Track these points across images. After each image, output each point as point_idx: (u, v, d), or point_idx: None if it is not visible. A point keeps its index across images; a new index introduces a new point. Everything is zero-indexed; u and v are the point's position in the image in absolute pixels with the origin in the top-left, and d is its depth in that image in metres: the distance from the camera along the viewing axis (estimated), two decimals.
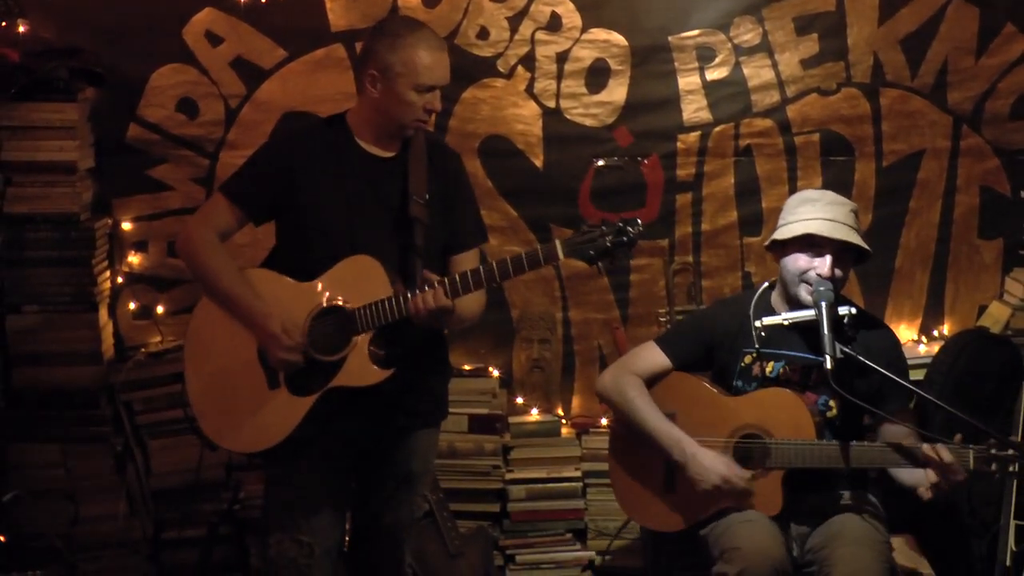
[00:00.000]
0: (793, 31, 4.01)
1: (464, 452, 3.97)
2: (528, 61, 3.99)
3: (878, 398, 3.15)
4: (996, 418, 3.63)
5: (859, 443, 3.07)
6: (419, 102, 2.82)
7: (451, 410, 3.85)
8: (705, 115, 4.04)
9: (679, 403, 3.22)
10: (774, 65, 4.02)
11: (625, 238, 2.68)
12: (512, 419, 4.07)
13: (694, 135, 4.05)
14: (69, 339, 3.81)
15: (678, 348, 3.29)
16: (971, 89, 4.08)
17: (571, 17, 3.97)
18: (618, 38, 3.98)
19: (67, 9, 3.84)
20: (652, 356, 3.29)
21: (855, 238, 3.14)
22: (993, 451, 2.89)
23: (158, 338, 4.01)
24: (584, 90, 4.01)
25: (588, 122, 4.02)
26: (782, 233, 3.17)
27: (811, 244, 3.14)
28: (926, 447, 2.97)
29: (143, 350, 3.99)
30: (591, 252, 2.68)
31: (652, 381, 3.27)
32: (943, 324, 4.21)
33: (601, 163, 4.03)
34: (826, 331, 3.02)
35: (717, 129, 4.05)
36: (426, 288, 2.74)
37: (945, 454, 2.93)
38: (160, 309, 4.01)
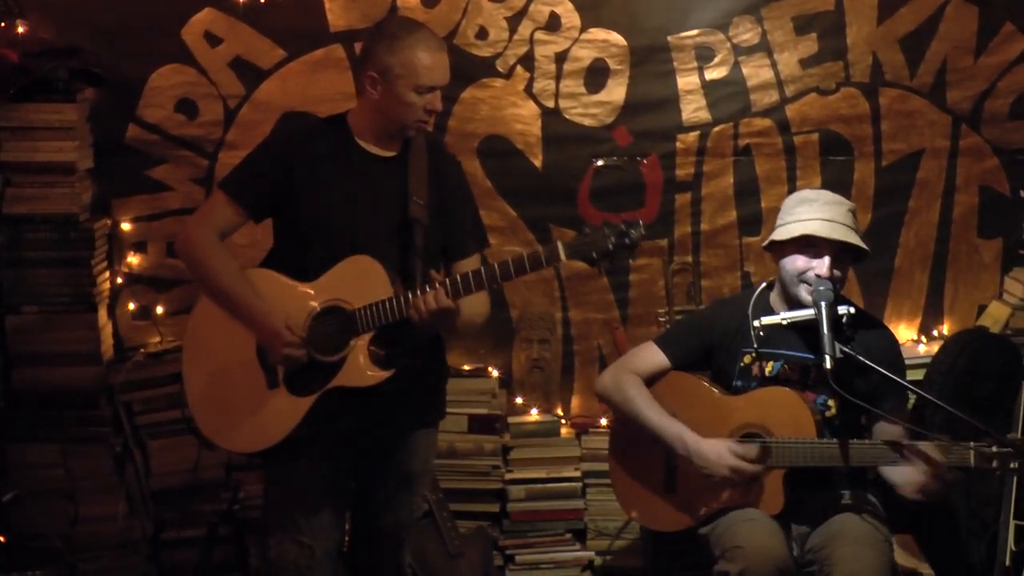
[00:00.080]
0: (792, 31, 4.01)
1: (464, 452, 3.98)
2: (527, 61, 3.99)
3: (876, 397, 3.15)
4: (996, 418, 3.63)
5: (859, 441, 3.07)
6: (419, 103, 2.82)
7: (451, 410, 3.88)
8: (704, 115, 4.04)
9: (679, 402, 3.23)
10: (773, 65, 4.02)
11: (627, 240, 2.68)
12: (512, 419, 4.07)
13: (693, 135, 4.05)
14: (68, 339, 3.81)
15: (677, 348, 3.29)
16: (970, 88, 4.08)
17: (570, 17, 3.97)
18: (617, 38, 3.98)
19: (66, 9, 3.84)
20: (651, 356, 3.29)
21: (853, 238, 3.14)
22: (994, 448, 2.90)
23: (157, 339, 4.01)
24: (583, 90, 4.01)
25: (587, 122, 4.02)
26: (780, 234, 3.17)
27: (809, 244, 3.14)
28: (914, 446, 2.99)
29: (142, 351, 3.99)
30: (593, 254, 2.68)
31: (651, 381, 3.27)
32: (942, 324, 4.21)
33: (600, 163, 4.03)
34: (825, 331, 3.02)
35: (716, 129, 4.05)
36: (427, 289, 2.74)
37: (932, 453, 2.94)
38: (159, 310, 4.01)
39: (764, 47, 4.01)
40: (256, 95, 3.95)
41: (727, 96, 4.04)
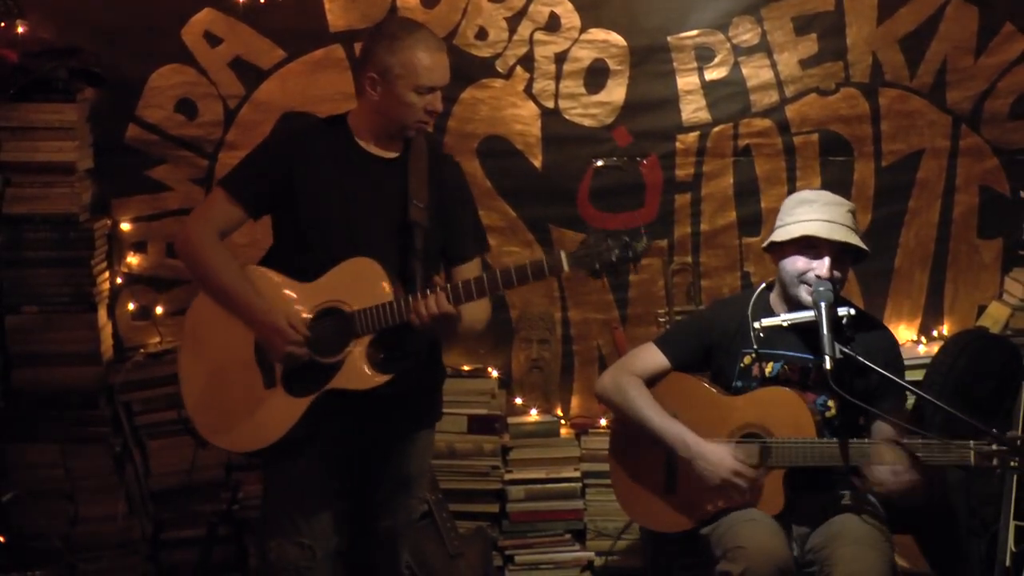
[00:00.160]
0: (792, 31, 4.01)
1: (463, 453, 3.98)
2: (527, 61, 3.99)
3: (875, 398, 3.15)
4: (996, 418, 3.61)
5: (859, 441, 3.07)
6: (419, 103, 2.82)
7: (450, 410, 3.89)
8: (704, 115, 4.04)
9: (679, 403, 3.23)
10: (773, 65, 4.02)
11: (631, 252, 2.68)
12: (511, 419, 4.07)
13: (693, 135, 4.05)
14: (68, 339, 3.81)
15: (677, 349, 3.29)
16: (970, 89, 4.08)
17: (570, 17, 3.97)
18: (617, 38, 3.98)
19: (66, 9, 3.84)
20: (651, 357, 3.29)
21: (853, 238, 3.14)
22: (994, 446, 2.90)
23: (157, 339, 4.02)
24: (583, 90, 4.01)
25: (587, 122, 4.02)
26: (780, 235, 3.17)
27: (809, 245, 3.14)
28: (877, 446, 3.01)
29: (142, 351, 3.99)
30: (596, 265, 2.68)
31: (651, 382, 3.27)
32: (942, 324, 4.21)
33: (600, 163, 4.03)
34: (825, 331, 3.02)
35: (716, 129, 4.05)
36: (428, 296, 2.74)
37: (889, 455, 2.97)
38: (159, 310, 4.01)
39: (764, 47, 4.01)
40: (256, 95, 3.95)
41: (727, 96, 4.04)
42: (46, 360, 3.80)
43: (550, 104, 4.02)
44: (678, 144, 4.05)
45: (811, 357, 3.16)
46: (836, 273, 3.14)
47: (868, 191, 4.12)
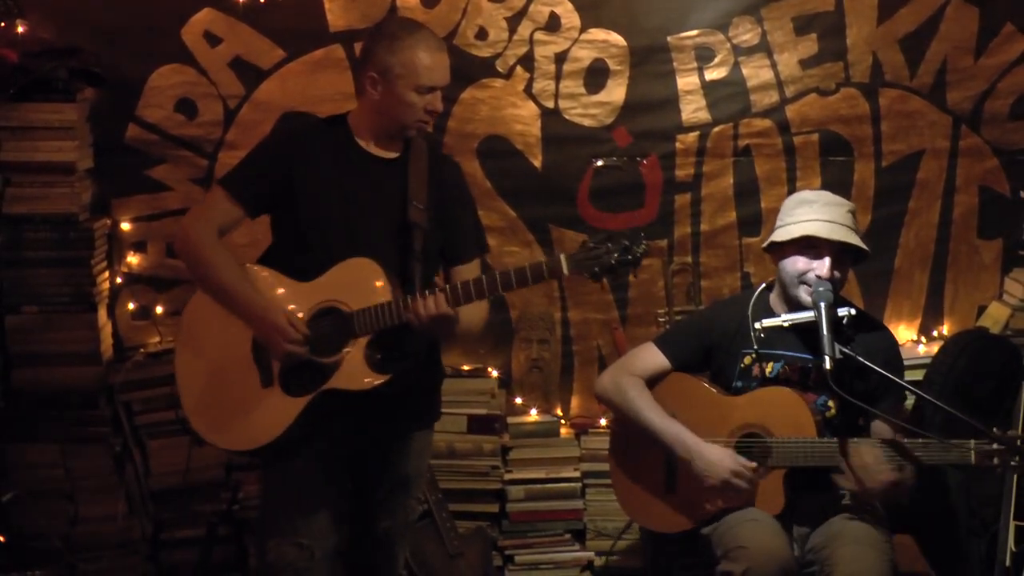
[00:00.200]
0: (792, 31, 4.01)
1: (463, 452, 3.97)
2: (527, 61, 3.98)
3: (874, 398, 3.15)
4: (996, 418, 3.61)
5: (859, 440, 3.07)
6: (420, 103, 2.81)
7: (450, 410, 3.90)
8: (704, 115, 4.03)
9: (678, 403, 3.23)
10: (773, 65, 4.02)
11: (630, 256, 2.68)
12: (511, 419, 4.07)
13: (693, 135, 4.05)
14: (68, 339, 3.81)
15: (677, 349, 3.29)
16: (970, 89, 4.08)
17: (570, 17, 3.97)
18: (617, 38, 3.98)
19: (66, 9, 3.83)
20: (651, 357, 3.30)
21: (853, 239, 3.14)
22: (995, 445, 2.90)
23: (157, 338, 4.01)
24: (583, 90, 4.01)
25: (587, 122, 4.02)
26: (780, 235, 3.17)
27: (809, 245, 3.14)
28: (857, 446, 3.02)
29: (142, 350, 3.99)
30: (595, 269, 2.68)
31: (651, 382, 3.28)
32: (942, 324, 4.21)
33: (600, 163, 4.03)
34: (825, 332, 3.02)
35: (716, 129, 4.05)
36: (427, 293, 2.73)
37: (868, 456, 2.98)
38: (159, 309, 4.01)
39: (764, 47, 4.01)
40: (256, 95, 3.95)
41: (727, 96, 4.03)
42: (46, 360, 3.80)
43: (550, 104, 4.02)
44: (678, 144, 4.05)
45: (811, 357, 3.17)
46: (836, 273, 3.14)
47: (868, 191, 4.12)
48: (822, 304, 3.06)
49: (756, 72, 4.02)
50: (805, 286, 3.14)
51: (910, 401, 3.51)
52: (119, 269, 4.00)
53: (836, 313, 3.09)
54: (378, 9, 3.89)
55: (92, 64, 3.81)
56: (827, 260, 3.12)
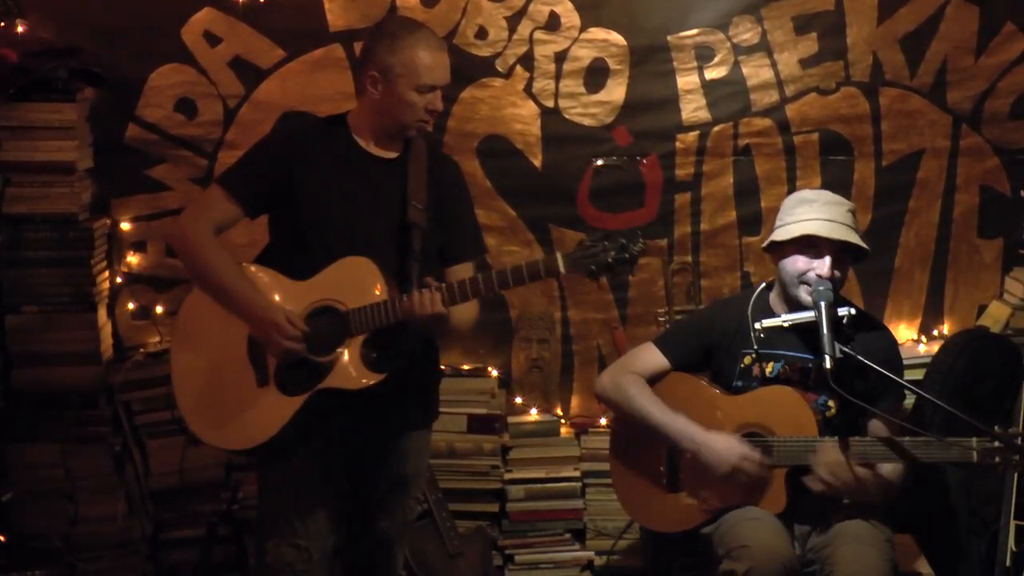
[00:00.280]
0: (792, 30, 4.01)
1: (463, 452, 3.97)
2: (527, 61, 3.98)
3: (874, 397, 3.16)
4: (996, 417, 3.61)
5: (859, 439, 3.08)
6: (420, 102, 2.81)
7: (450, 410, 3.90)
8: (704, 115, 4.03)
9: (679, 403, 3.22)
10: (773, 64, 4.02)
11: (627, 255, 2.68)
12: (511, 419, 4.07)
13: (693, 135, 4.05)
14: (68, 339, 3.81)
15: (676, 349, 3.29)
16: (971, 88, 4.08)
17: (570, 17, 3.96)
18: (617, 38, 3.97)
19: (66, 9, 3.83)
20: (650, 357, 3.29)
21: (854, 238, 3.14)
22: (996, 443, 2.90)
23: (157, 338, 4.01)
24: (583, 90, 4.01)
25: (587, 122, 4.02)
26: (780, 234, 3.17)
27: (810, 245, 3.14)
28: (823, 444, 3.03)
29: (142, 350, 3.99)
30: (592, 267, 2.68)
31: (651, 382, 3.28)
32: (943, 324, 4.21)
33: (600, 163, 4.03)
34: (826, 331, 3.02)
35: (716, 129, 4.05)
36: (422, 291, 2.73)
37: (832, 454, 2.99)
38: (159, 309, 4.01)
39: (764, 47, 4.01)
40: (256, 95, 3.95)
41: (727, 96, 4.03)
42: (46, 360, 3.80)
43: (550, 103, 4.01)
44: (678, 144, 4.05)
45: (811, 357, 3.17)
46: (836, 272, 3.14)
47: (868, 191, 4.11)
48: (822, 303, 3.06)
49: (756, 71, 4.01)
50: (805, 286, 3.14)
51: (910, 401, 3.51)
52: (119, 269, 4.00)
53: (836, 312, 3.09)
54: (378, 9, 3.89)
55: (92, 64, 3.81)
56: (827, 259, 3.12)
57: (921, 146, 4.12)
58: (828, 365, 2.97)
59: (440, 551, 3.73)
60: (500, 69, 3.99)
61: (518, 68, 3.99)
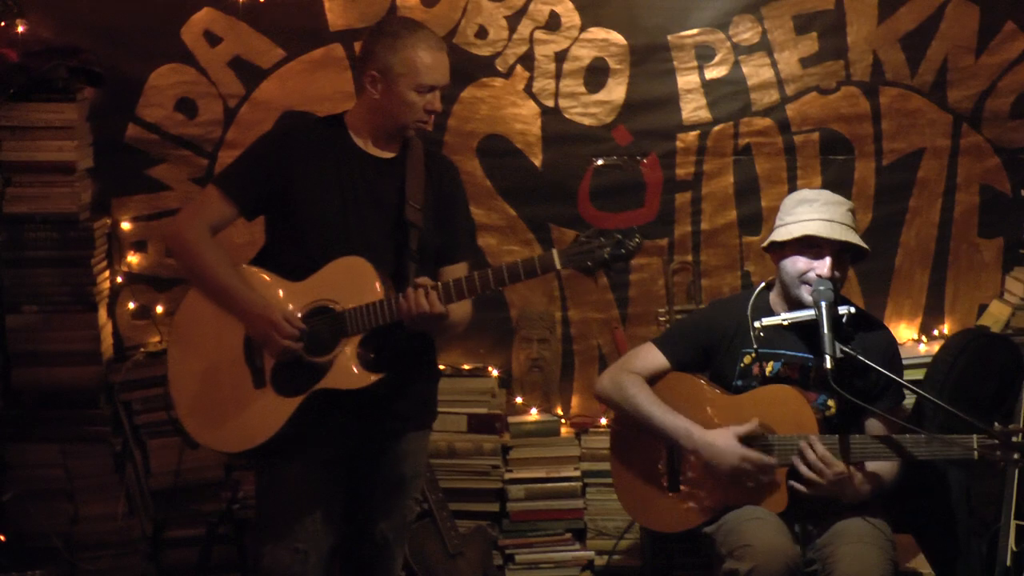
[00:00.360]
0: (792, 30, 4.01)
1: (463, 452, 3.97)
2: (527, 60, 3.98)
3: (873, 396, 3.16)
4: (996, 417, 3.60)
5: (860, 436, 3.08)
6: (420, 102, 2.81)
7: (450, 410, 3.90)
8: (704, 114, 4.03)
9: (679, 403, 3.22)
10: (773, 64, 4.02)
11: (623, 250, 2.67)
12: (511, 419, 4.06)
13: (693, 134, 4.05)
14: (68, 339, 3.80)
15: (676, 349, 3.29)
16: (971, 87, 4.08)
17: (570, 16, 3.96)
18: (617, 37, 3.98)
19: (66, 9, 3.84)
20: (650, 357, 3.29)
21: (854, 237, 3.14)
22: (998, 440, 2.90)
23: (157, 338, 4.01)
24: (583, 89, 4.01)
25: (587, 121, 4.02)
26: (780, 234, 3.17)
27: (810, 245, 3.14)
28: (801, 442, 3.04)
29: (142, 350, 3.99)
30: (588, 263, 2.67)
31: (650, 382, 3.28)
32: (943, 323, 4.20)
33: (600, 162, 4.03)
34: (826, 330, 3.02)
35: (716, 128, 4.05)
36: (418, 289, 2.72)
37: (818, 448, 3.00)
38: (159, 309, 4.01)
39: (764, 46, 4.01)
40: (256, 94, 3.95)
41: (727, 95, 4.03)
42: (46, 359, 3.80)
43: (550, 103, 4.01)
44: (678, 143, 4.05)
45: (811, 356, 3.16)
46: (837, 272, 3.14)
47: (869, 190, 4.11)
48: (823, 303, 3.06)
49: (756, 71, 4.01)
50: (807, 286, 3.14)
51: (910, 400, 3.50)
52: (119, 268, 4.00)
53: (836, 312, 3.08)
54: (378, 8, 3.89)
55: (92, 63, 3.81)
56: (828, 259, 3.12)
57: (921, 145, 4.12)
58: (828, 364, 2.97)
59: (440, 551, 3.73)
60: (500, 69, 3.98)
61: (518, 68, 3.99)
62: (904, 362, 3.33)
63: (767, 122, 4.06)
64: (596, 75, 4.00)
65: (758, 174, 4.09)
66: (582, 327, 4.13)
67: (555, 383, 4.13)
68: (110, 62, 3.85)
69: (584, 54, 3.98)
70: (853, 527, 3.09)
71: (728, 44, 4.00)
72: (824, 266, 3.12)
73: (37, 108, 3.75)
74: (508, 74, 3.99)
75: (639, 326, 4.09)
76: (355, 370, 2.76)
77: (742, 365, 3.23)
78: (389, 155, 2.89)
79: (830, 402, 3.18)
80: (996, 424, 2.98)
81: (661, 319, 4.02)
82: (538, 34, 3.97)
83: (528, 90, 4.00)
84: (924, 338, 4.18)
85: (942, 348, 3.91)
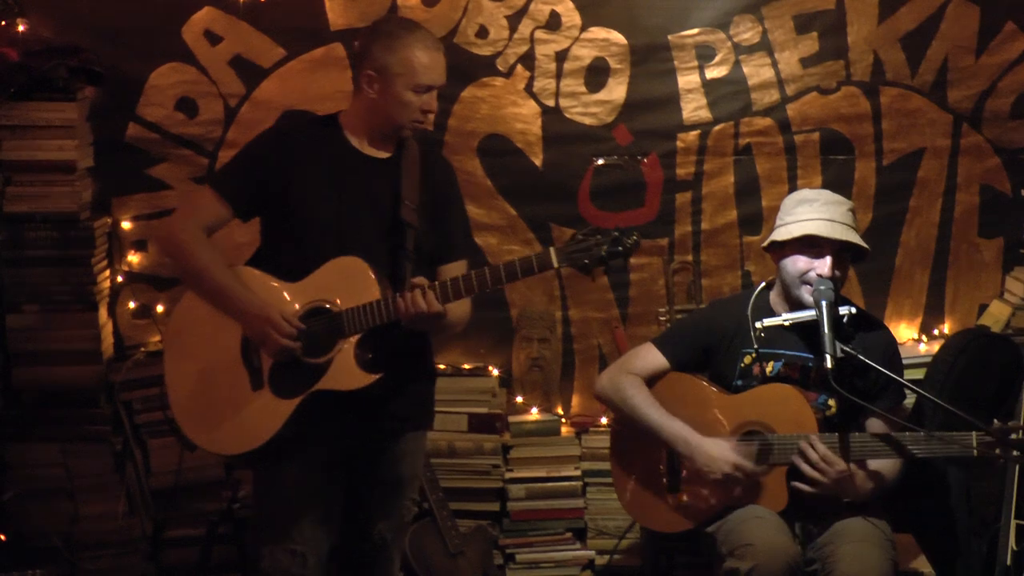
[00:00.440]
0: (793, 29, 4.01)
1: (464, 451, 3.97)
2: (527, 60, 3.98)
3: (873, 396, 3.16)
4: (996, 417, 3.60)
5: (860, 435, 3.08)
6: (416, 102, 2.80)
7: (451, 409, 3.90)
8: (705, 114, 4.03)
9: (678, 402, 3.22)
10: (774, 64, 4.02)
11: (621, 248, 2.65)
12: (512, 418, 4.06)
13: (694, 134, 4.05)
14: (69, 338, 3.80)
15: (676, 349, 3.29)
16: (971, 87, 4.08)
17: (570, 16, 3.97)
18: (617, 37, 3.98)
19: (66, 8, 3.84)
20: (650, 357, 3.29)
21: (854, 237, 3.14)
22: (996, 438, 2.90)
23: (157, 337, 4.01)
24: (583, 89, 4.01)
25: (587, 121, 4.02)
26: (781, 234, 3.17)
27: (811, 244, 3.14)
28: (802, 441, 3.03)
29: (142, 349, 3.99)
30: (585, 261, 2.66)
31: (650, 382, 3.27)
32: (943, 323, 4.21)
33: (601, 162, 4.03)
34: (827, 330, 3.02)
35: (717, 128, 4.05)
36: (415, 290, 2.72)
37: (819, 448, 3.00)
38: (159, 308, 4.01)
39: (765, 46, 4.01)
40: (256, 94, 3.95)
41: (728, 95, 4.03)
42: (47, 359, 3.80)
43: (551, 103, 4.02)
44: (679, 143, 4.05)
45: (811, 356, 3.17)
46: (837, 272, 3.14)
47: (869, 190, 4.11)
48: (823, 302, 3.06)
49: (757, 71, 4.02)
50: (807, 286, 3.13)
51: (910, 400, 3.50)
52: (120, 268, 4.00)
53: (837, 311, 3.08)
54: (378, 7, 3.90)
55: (92, 63, 3.81)
56: (828, 259, 3.12)
57: (922, 145, 4.12)
58: (829, 364, 2.97)
59: (441, 550, 3.73)
60: (501, 68, 3.99)
61: (519, 67, 3.99)
62: (904, 362, 3.33)
63: (767, 122, 4.06)
64: (597, 75, 4.00)
65: (758, 174, 4.09)
66: (582, 326, 4.13)
67: (555, 382, 4.13)
68: (110, 61, 3.85)
69: (585, 54, 3.98)
70: (853, 526, 3.09)
71: (729, 44, 4.01)
72: (824, 265, 3.12)
73: (37, 107, 3.75)
74: (509, 74, 3.99)
75: (639, 326, 4.09)
76: (353, 371, 2.75)
77: (742, 365, 3.23)
78: (384, 155, 2.88)
79: (830, 402, 3.18)
80: (995, 422, 2.98)
81: (661, 319, 4.02)
82: (539, 34, 3.98)
83: (529, 90, 4.00)
84: (924, 338, 4.18)
85: (942, 348, 3.91)
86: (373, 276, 2.76)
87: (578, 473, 4.02)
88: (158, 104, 3.92)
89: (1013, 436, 2.94)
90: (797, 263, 3.15)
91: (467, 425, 3.98)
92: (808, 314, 3.11)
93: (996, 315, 4.11)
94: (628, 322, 4.12)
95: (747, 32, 4.00)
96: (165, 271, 4.01)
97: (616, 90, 4.01)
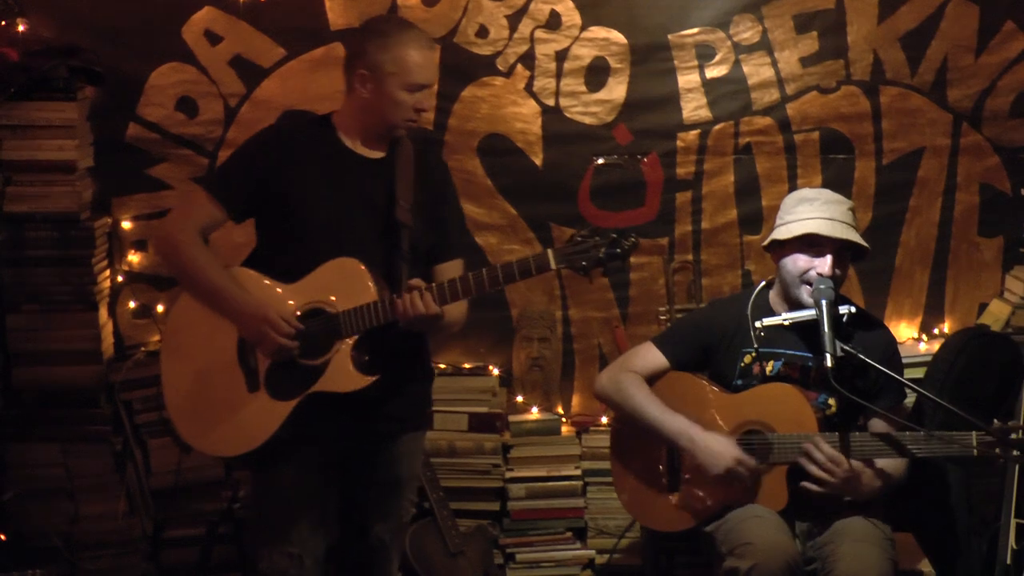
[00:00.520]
0: (793, 29, 4.01)
1: (464, 451, 3.97)
2: (527, 59, 3.98)
3: (873, 395, 3.16)
4: (996, 416, 3.60)
5: (860, 434, 3.08)
6: (409, 101, 2.80)
7: (451, 409, 3.91)
8: (705, 113, 4.03)
9: (678, 402, 3.22)
10: (774, 63, 4.02)
11: (619, 250, 2.65)
12: (512, 417, 4.06)
13: (694, 133, 4.05)
14: (69, 338, 3.80)
15: (676, 348, 3.29)
16: (971, 87, 4.08)
17: (570, 15, 3.97)
18: (617, 36, 3.98)
19: (66, 8, 3.84)
20: (650, 356, 3.29)
21: (854, 236, 3.15)
22: (996, 437, 2.90)
23: (157, 337, 4.00)
24: (583, 88, 4.01)
25: (587, 120, 4.02)
26: (781, 233, 3.17)
27: (811, 244, 3.14)
28: (806, 443, 3.04)
29: (143, 349, 3.99)
30: (583, 262, 2.66)
31: (650, 381, 3.27)
32: (943, 322, 4.20)
33: (601, 161, 4.03)
34: (827, 329, 3.02)
35: (717, 127, 4.05)
36: (413, 292, 2.71)
37: (825, 448, 3.00)
38: (160, 308, 4.01)
39: (765, 45, 4.01)
40: (256, 94, 3.95)
41: (728, 94, 4.03)
42: (47, 358, 3.79)
43: (551, 102, 4.02)
44: (679, 142, 4.05)
45: (811, 356, 3.17)
46: (837, 271, 3.14)
47: (869, 189, 4.11)
48: (823, 302, 3.06)
49: (757, 70, 4.02)
50: (807, 286, 3.14)
51: (911, 399, 3.51)
52: (120, 268, 4.00)
53: (837, 311, 3.08)
54: (378, 7, 3.89)
55: (93, 63, 3.81)
56: (829, 258, 3.12)
57: (921, 144, 4.12)
58: (829, 363, 2.97)
59: (441, 549, 3.73)
60: (501, 68, 3.99)
61: (519, 67, 3.99)
62: (904, 361, 3.33)
63: (767, 121, 4.06)
64: (597, 74, 4.00)
65: (758, 173, 4.09)
66: (583, 326, 4.13)
67: (556, 382, 4.13)
68: (111, 61, 3.85)
69: (585, 53, 3.99)
70: (853, 526, 3.09)
71: (728, 43, 4.01)
72: (825, 264, 3.12)
73: (38, 107, 3.75)
74: (509, 73, 3.99)
75: (640, 325, 4.09)
76: (350, 372, 2.74)
77: (742, 364, 3.23)
78: (378, 155, 2.88)
79: (830, 401, 3.18)
80: (995, 422, 2.98)
81: (662, 318, 4.02)
82: (539, 33, 3.98)
83: (529, 89, 4.00)
84: (924, 337, 4.18)
85: (942, 347, 3.91)
86: (370, 277, 2.76)
87: (578, 472, 4.02)
88: (158, 104, 3.92)
89: (1013, 436, 2.94)
90: (797, 262, 3.15)
91: (467, 424, 3.98)
92: (808, 313, 3.12)
93: (996, 314, 4.11)
94: (628, 321, 4.12)
95: (747, 31, 4.00)
96: (165, 271, 3.99)
97: (616, 89, 4.01)
